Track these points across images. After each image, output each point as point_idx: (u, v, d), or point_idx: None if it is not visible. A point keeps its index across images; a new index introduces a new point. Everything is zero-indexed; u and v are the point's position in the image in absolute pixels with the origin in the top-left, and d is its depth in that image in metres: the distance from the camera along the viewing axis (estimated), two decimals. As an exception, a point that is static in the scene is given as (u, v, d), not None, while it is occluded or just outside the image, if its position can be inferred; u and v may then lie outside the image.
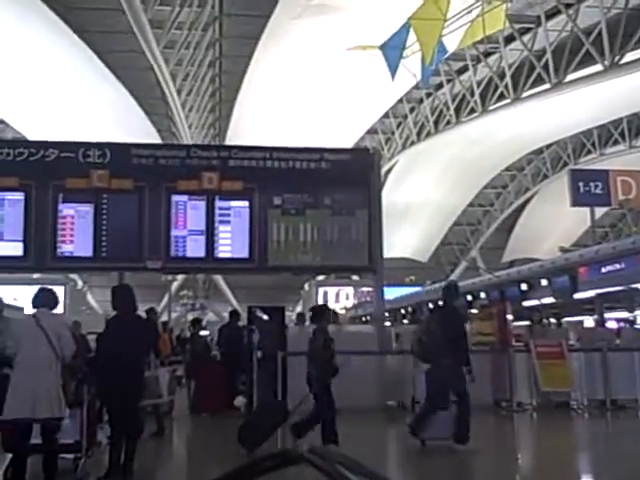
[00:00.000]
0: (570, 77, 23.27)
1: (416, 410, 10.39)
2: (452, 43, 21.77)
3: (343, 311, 35.28)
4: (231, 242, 11.59)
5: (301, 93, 28.47)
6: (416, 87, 30.67)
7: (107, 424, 6.78)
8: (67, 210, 11.27)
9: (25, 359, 5.75)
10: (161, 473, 7.84)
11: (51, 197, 11.15)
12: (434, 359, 7.85)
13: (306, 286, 39.57)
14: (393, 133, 37.04)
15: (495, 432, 10.32)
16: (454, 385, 7.75)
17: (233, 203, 11.69)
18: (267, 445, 6.88)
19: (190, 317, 36.31)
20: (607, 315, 20.23)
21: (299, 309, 35.58)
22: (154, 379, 8.22)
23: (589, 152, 37.45)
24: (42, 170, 11.20)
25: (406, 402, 11.20)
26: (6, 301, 9.18)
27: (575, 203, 29.26)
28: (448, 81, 31.00)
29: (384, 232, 12.35)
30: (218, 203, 11.60)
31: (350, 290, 37.47)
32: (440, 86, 31.84)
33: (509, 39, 26.02)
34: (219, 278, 47.98)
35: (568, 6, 22.79)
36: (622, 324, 18.96)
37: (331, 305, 30.48)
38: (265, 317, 12.37)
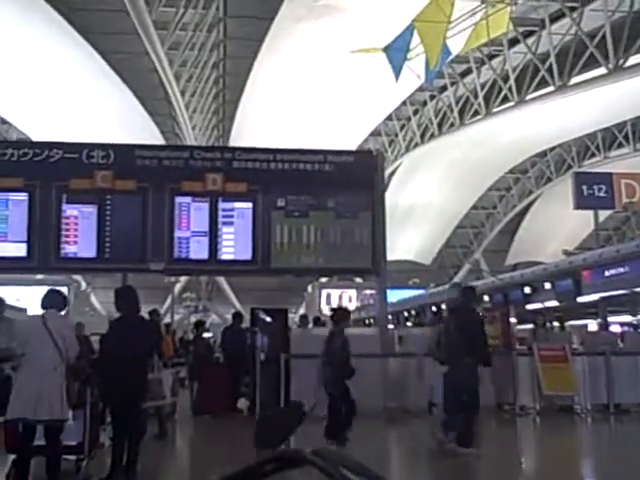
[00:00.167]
0: (574, 80, 23.26)
1: (433, 413, 10.50)
2: (456, 46, 21.77)
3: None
4: (234, 244, 11.58)
5: (305, 95, 28.49)
6: (420, 89, 30.70)
7: (110, 426, 6.78)
8: (71, 211, 11.27)
9: (31, 360, 5.75)
10: (164, 475, 7.84)
11: (55, 198, 11.16)
12: (453, 361, 7.89)
13: (309, 288, 39.53)
14: (397, 135, 37.04)
15: (498, 436, 10.30)
16: (470, 385, 7.79)
17: (237, 205, 11.68)
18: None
19: (193, 319, 36.38)
20: (611, 319, 20.19)
21: (302, 311, 35.54)
22: (157, 381, 8.22)
23: (593, 155, 37.40)
24: (46, 171, 11.21)
25: (408, 405, 11.21)
26: (9, 302, 9.19)
27: (579, 206, 29.21)
28: (452, 83, 31.00)
29: (387, 234, 12.33)
30: (221, 205, 11.59)
31: (353, 292, 37.37)
32: (444, 88, 31.85)
33: (513, 42, 26.02)
34: (222, 280, 47.99)
35: (572, 9, 22.77)
36: (626, 328, 18.94)
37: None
38: (268, 319, 12.39)
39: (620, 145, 35.48)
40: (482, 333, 8.27)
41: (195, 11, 24.22)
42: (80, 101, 29.39)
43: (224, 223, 11.56)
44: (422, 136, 35.04)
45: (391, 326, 16.95)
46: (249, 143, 24.66)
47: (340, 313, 8.88)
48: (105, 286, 40.05)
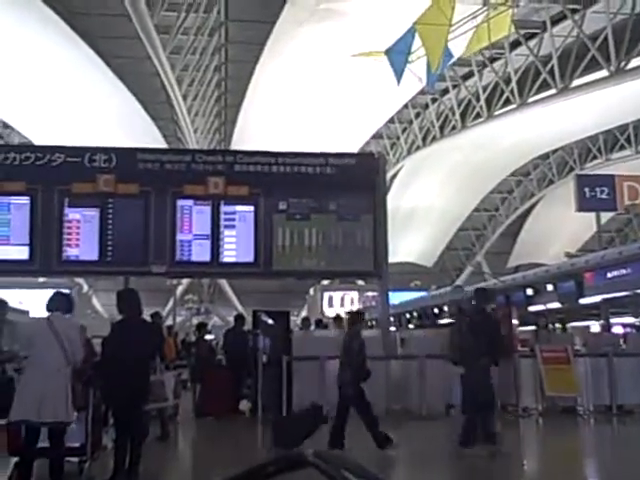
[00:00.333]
0: (576, 82, 23.23)
1: (451, 414, 10.56)
2: (458, 48, 21.77)
3: (348, 316, 35.15)
4: (236, 247, 11.59)
5: (306, 98, 28.51)
6: (421, 92, 30.69)
7: (112, 428, 6.79)
8: (73, 214, 11.28)
9: (36, 362, 5.75)
10: (166, 477, 7.84)
11: (57, 201, 11.17)
12: (468, 362, 7.92)
13: (311, 291, 39.57)
14: (398, 138, 37.05)
15: (500, 437, 10.27)
16: (485, 385, 7.84)
17: (238, 208, 11.69)
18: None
19: (195, 321, 36.41)
20: (613, 320, 20.17)
21: (304, 314, 35.54)
22: (159, 383, 8.23)
23: (595, 157, 37.37)
24: (48, 175, 11.22)
25: (410, 407, 11.22)
26: (11, 304, 9.21)
27: (581, 208, 29.20)
28: (454, 86, 31.02)
29: (389, 237, 12.34)
30: (223, 208, 11.61)
31: (355, 295, 37.38)
32: (446, 91, 31.86)
33: (515, 44, 26.02)
34: (224, 282, 48.02)
35: (574, 12, 22.76)
36: (628, 329, 18.93)
37: (336, 310, 30.51)
38: (270, 321, 12.41)
39: (622, 147, 35.46)
40: (500, 334, 8.45)
41: (197, 15, 24.27)
42: (82, 105, 29.43)
43: (226, 226, 11.58)
44: (424, 139, 35.05)
45: (393, 328, 16.95)
46: (251, 146, 24.69)
47: (354, 315, 9.43)
48: (107, 289, 40.02)
